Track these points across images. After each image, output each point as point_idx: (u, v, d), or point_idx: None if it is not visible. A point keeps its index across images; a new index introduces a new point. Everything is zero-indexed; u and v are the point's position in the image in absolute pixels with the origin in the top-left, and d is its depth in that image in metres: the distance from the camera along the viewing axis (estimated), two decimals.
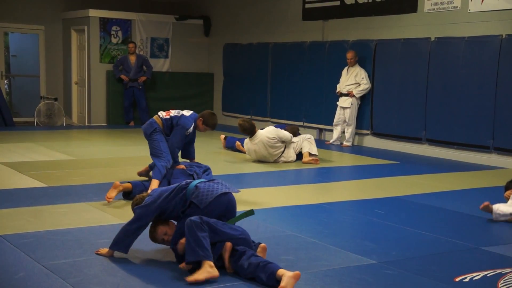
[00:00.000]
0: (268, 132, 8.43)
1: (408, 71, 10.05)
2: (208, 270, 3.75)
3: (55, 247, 4.38)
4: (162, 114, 6.56)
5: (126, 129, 12.62)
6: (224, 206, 4.13)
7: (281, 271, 3.68)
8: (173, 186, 4.29)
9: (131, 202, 5.72)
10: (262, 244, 4.12)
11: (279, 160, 8.58)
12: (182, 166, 6.47)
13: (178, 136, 6.42)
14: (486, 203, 5.57)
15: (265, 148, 8.37)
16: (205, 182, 4.26)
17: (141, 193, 4.71)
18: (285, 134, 8.51)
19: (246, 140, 8.62)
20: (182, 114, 6.51)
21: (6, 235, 4.64)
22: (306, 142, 8.74)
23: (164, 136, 6.45)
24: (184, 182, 4.25)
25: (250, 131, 8.35)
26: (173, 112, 6.56)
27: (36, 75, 14.26)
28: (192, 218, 3.91)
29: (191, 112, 6.62)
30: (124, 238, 4.15)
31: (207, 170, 6.51)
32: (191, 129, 6.49)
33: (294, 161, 8.66)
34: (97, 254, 4.23)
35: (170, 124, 6.47)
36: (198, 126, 6.50)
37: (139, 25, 13.72)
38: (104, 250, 4.23)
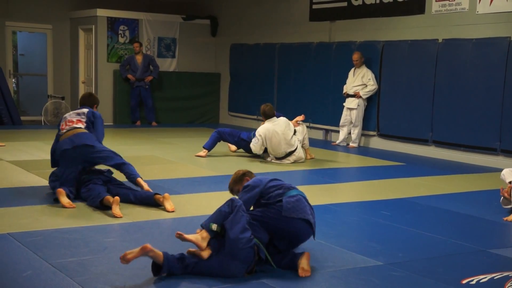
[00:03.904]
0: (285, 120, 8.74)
1: (415, 72, 10.02)
2: (197, 236, 3.90)
3: (62, 246, 4.40)
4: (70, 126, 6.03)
5: (132, 129, 12.64)
6: (293, 232, 4.13)
7: None
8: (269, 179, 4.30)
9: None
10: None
11: (291, 157, 8.59)
12: None
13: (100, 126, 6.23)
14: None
15: (285, 128, 8.52)
16: (305, 200, 4.23)
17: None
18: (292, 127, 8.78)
19: (262, 127, 8.67)
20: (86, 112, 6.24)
21: (14, 233, 4.66)
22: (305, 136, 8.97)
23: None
24: (288, 185, 4.26)
25: (271, 114, 8.64)
26: (75, 119, 6.13)
27: (43, 74, 14.31)
28: (236, 198, 4.06)
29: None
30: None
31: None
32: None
33: (303, 161, 8.70)
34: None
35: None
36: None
37: (146, 24, 13.75)
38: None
